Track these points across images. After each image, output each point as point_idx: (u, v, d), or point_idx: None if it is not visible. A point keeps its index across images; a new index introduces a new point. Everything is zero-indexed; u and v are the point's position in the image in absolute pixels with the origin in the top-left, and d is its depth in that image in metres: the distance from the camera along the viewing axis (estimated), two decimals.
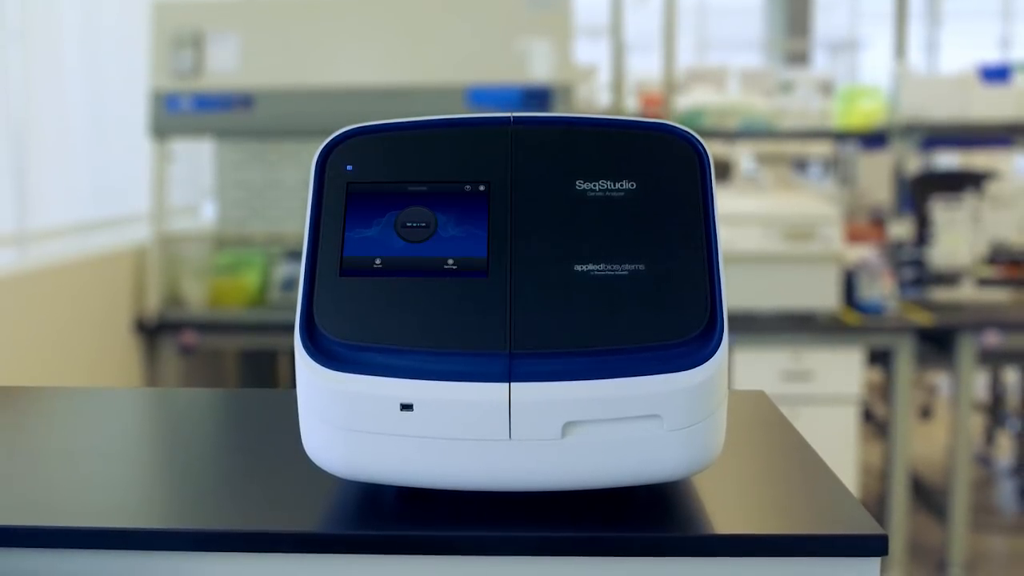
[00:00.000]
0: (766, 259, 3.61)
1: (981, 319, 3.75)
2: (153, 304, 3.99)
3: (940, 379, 6.13)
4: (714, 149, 4.35)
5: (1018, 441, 5.25)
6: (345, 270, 0.90)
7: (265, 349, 4.47)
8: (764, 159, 6.22)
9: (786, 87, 5.30)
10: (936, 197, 4.28)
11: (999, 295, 4.02)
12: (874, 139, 4.89)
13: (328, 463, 0.91)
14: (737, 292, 3.51)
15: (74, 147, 4.09)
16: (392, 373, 0.87)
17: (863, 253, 3.93)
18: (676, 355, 0.87)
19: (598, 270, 0.89)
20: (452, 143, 0.95)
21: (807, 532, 0.88)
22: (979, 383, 5.38)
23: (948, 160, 6.81)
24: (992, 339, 3.72)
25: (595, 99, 5.32)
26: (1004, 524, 4.60)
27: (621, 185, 0.92)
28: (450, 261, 0.90)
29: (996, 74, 4.46)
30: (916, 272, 4.15)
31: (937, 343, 3.83)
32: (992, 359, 4.30)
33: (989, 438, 5.49)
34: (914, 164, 5.05)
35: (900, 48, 4.81)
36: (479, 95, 3.92)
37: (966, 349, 3.71)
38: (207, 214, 4.97)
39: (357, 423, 0.88)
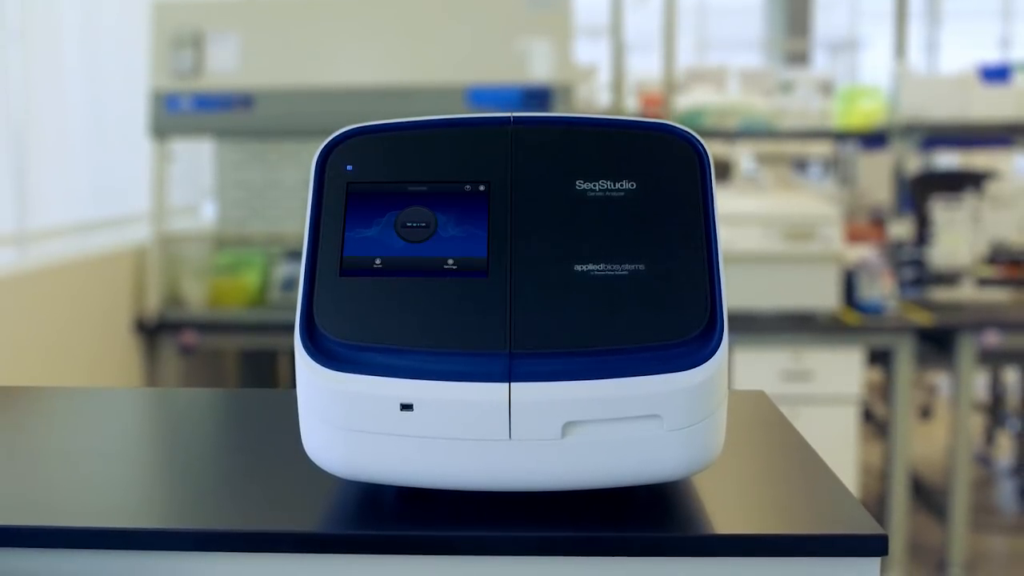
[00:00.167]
0: (766, 259, 3.61)
1: (981, 319, 3.75)
2: (153, 304, 3.99)
3: (940, 379, 6.13)
4: (714, 149, 4.34)
5: (1018, 441, 5.25)
6: (345, 270, 0.90)
7: (265, 349, 4.47)
8: (764, 159, 6.22)
9: (786, 87, 5.29)
10: (936, 197, 4.28)
11: (999, 295, 4.02)
12: (874, 139, 4.89)
13: (328, 463, 0.91)
14: (737, 292, 3.51)
15: (74, 147, 4.09)
16: (392, 373, 0.87)
17: (863, 253, 3.92)
18: (676, 355, 0.87)
19: (598, 270, 0.89)
20: (452, 143, 0.95)
21: (807, 532, 0.88)
22: (979, 383, 5.38)
23: (948, 160, 6.80)
24: (992, 339, 3.71)
25: (595, 99, 5.32)
26: (1004, 524, 4.60)
27: (621, 185, 0.92)
28: (450, 261, 0.90)
29: (996, 74, 4.46)
30: (916, 272, 4.15)
31: (937, 343, 3.83)
32: (992, 359, 4.30)
33: (989, 438, 5.48)
34: (914, 164, 5.05)
35: (900, 48, 4.81)
36: (479, 95, 3.92)
37: (966, 349, 3.71)
38: (207, 214, 4.97)
39: (357, 423, 0.88)
